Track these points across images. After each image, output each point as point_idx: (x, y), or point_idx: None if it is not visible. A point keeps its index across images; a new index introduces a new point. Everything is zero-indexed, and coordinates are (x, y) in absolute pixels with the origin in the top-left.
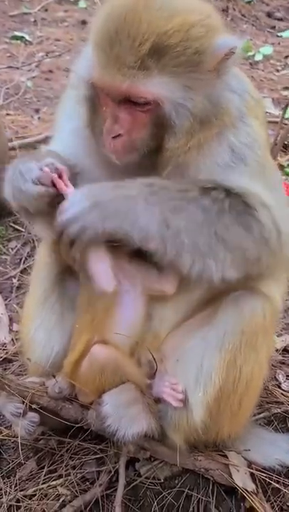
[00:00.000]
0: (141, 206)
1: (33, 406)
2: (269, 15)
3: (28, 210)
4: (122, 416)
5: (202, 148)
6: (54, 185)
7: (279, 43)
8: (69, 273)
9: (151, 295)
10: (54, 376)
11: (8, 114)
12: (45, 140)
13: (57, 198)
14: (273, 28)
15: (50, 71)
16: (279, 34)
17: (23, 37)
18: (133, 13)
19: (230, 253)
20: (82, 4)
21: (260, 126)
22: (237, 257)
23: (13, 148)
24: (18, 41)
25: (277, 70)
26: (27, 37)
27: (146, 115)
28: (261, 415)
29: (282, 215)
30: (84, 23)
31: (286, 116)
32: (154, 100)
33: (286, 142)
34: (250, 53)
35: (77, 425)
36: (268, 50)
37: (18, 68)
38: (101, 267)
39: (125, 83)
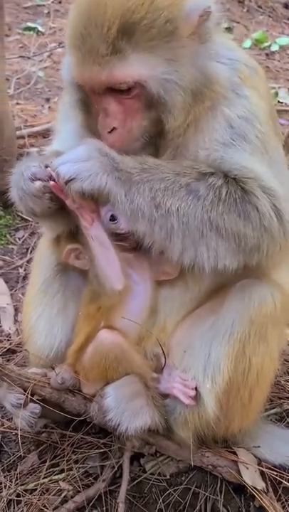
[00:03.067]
0: (135, 178)
1: (35, 398)
2: (286, 6)
3: (35, 212)
4: (125, 409)
5: (199, 124)
6: (52, 179)
7: None
8: None
9: (158, 285)
10: (53, 368)
11: (18, 104)
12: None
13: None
14: None
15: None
16: None
17: (35, 28)
18: (97, 3)
19: (225, 241)
20: None
21: (259, 97)
22: (232, 245)
23: (21, 137)
24: (31, 32)
25: None
26: (39, 28)
27: (136, 101)
28: (273, 411)
29: (286, 196)
30: None
31: None
32: (136, 82)
33: None
34: (266, 44)
35: (79, 418)
36: (284, 40)
37: (29, 58)
38: (110, 265)
39: (103, 73)
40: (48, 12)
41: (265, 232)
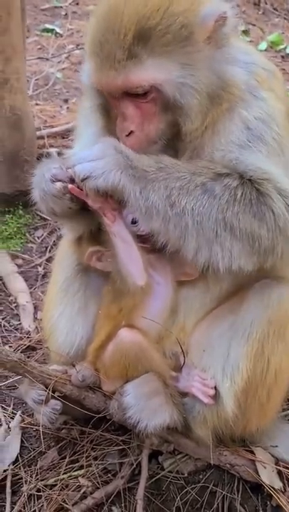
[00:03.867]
0: (151, 176)
1: (56, 394)
2: None
3: (56, 213)
4: (144, 407)
5: (216, 126)
6: (72, 181)
7: None
8: None
9: (178, 285)
10: (74, 365)
11: (37, 104)
12: (74, 130)
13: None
14: None
15: (80, 63)
16: None
17: (53, 29)
18: (115, 11)
19: (239, 242)
20: None
21: (276, 98)
22: (246, 246)
23: (41, 137)
24: (49, 33)
25: None
26: (57, 29)
27: (152, 104)
28: None
29: None
30: None
31: None
32: (152, 86)
33: None
34: (281, 46)
35: (99, 415)
36: None
37: (47, 60)
38: (133, 261)
39: (119, 77)
40: (66, 14)
41: (280, 233)
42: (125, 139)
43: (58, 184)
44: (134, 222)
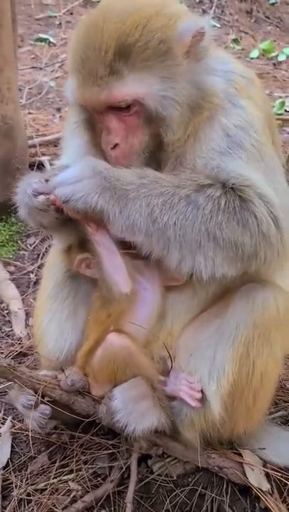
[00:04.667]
0: (132, 195)
1: (45, 399)
2: None
3: (44, 225)
4: (132, 411)
5: (198, 134)
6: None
7: None
8: None
9: (166, 290)
10: (63, 370)
11: (30, 113)
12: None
13: None
14: None
15: None
16: None
17: (47, 39)
18: (95, 28)
19: (222, 250)
20: None
21: (255, 106)
22: (230, 253)
23: (33, 146)
24: (43, 43)
25: None
26: (51, 39)
27: (135, 117)
28: (278, 414)
29: (283, 203)
30: None
31: None
32: (134, 100)
33: None
34: (273, 54)
35: (88, 419)
36: None
37: (41, 69)
38: (116, 269)
39: (102, 93)
40: (60, 23)
41: (263, 238)
42: (110, 151)
43: (41, 197)
44: None
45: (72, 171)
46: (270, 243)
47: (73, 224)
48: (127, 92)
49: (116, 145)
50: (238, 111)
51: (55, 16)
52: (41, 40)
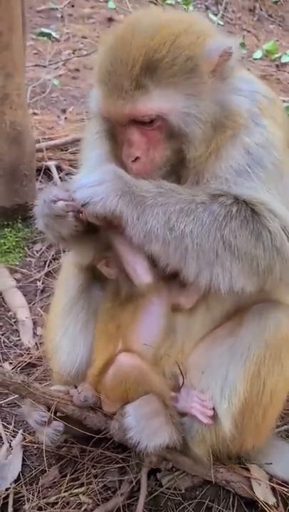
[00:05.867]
0: (149, 202)
1: (58, 414)
2: None
3: (64, 236)
4: (144, 428)
5: (219, 151)
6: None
7: None
8: (95, 282)
9: (174, 307)
10: (76, 386)
11: (34, 114)
12: (73, 142)
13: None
14: None
15: (77, 69)
16: None
17: (49, 34)
18: (123, 42)
19: (238, 261)
20: (111, 5)
21: (276, 125)
22: (246, 265)
23: (40, 150)
24: (45, 38)
25: None
26: (54, 34)
27: (158, 132)
28: (283, 428)
29: None
30: (110, 20)
31: None
32: (158, 115)
33: None
34: (276, 55)
35: (100, 435)
36: None
37: (45, 67)
38: (138, 261)
39: (127, 106)
40: (62, 16)
41: (277, 253)
42: (131, 164)
43: (60, 203)
44: None
45: (93, 176)
46: (284, 258)
47: (92, 237)
48: (152, 107)
49: (137, 158)
50: (260, 130)
51: (57, 9)
52: (43, 34)
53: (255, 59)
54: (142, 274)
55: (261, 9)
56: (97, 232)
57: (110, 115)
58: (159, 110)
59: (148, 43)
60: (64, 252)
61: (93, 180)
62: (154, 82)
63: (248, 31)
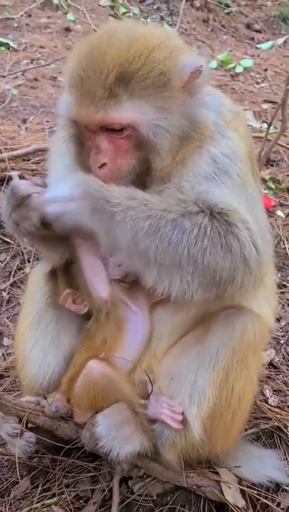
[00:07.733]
0: (118, 217)
1: (29, 425)
2: (248, 26)
3: (31, 231)
4: (115, 436)
5: (185, 161)
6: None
7: (258, 55)
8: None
9: (150, 311)
10: (46, 398)
11: None
12: (34, 152)
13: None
14: (252, 39)
15: (36, 79)
16: (258, 46)
17: (7, 43)
18: (98, 50)
19: (200, 276)
20: (70, 16)
21: (240, 138)
22: (207, 279)
23: (2, 160)
24: (3, 48)
25: (257, 83)
26: (11, 43)
27: (126, 141)
28: (250, 431)
29: (261, 233)
30: (68, 30)
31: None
32: (128, 124)
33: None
34: (230, 65)
35: (71, 445)
36: (248, 62)
37: (3, 77)
38: (96, 275)
39: (98, 113)
40: (18, 26)
41: (242, 262)
42: (98, 170)
43: (23, 185)
44: None
45: (64, 189)
46: (249, 267)
47: (61, 242)
48: (123, 117)
49: (103, 164)
50: (226, 141)
51: (13, 18)
52: (1, 44)
53: (211, 69)
54: (99, 288)
55: (215, 20)
56: (65, 239)
57: (80, 120)
58: (130, 120)
59: (124, 54)
60: (29, 261)
61: (64, 196)
62: (127, 93)
63: (203, 42)
